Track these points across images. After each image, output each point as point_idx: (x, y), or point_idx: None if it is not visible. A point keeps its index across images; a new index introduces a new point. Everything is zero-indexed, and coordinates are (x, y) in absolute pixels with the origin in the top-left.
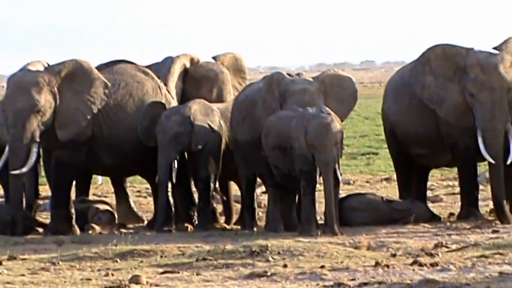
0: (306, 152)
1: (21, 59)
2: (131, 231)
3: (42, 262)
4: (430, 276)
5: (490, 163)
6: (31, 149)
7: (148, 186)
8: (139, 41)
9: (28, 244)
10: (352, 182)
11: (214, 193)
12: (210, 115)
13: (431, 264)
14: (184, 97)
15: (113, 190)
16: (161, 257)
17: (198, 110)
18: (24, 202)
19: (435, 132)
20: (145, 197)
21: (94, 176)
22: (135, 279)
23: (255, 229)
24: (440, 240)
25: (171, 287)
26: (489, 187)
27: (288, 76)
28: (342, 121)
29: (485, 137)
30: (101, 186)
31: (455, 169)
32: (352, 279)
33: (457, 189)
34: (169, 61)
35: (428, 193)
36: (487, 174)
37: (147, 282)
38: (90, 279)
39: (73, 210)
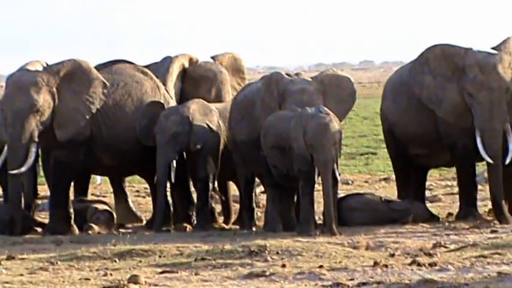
0: (304, 152)
1: (21, 59)
2: (130, 231)
3: (41, 262)
4: (428, 276)
5: (488, 163)
6: (30, 149)
7: (147, 186)
8: (139, 41)
9: (27, 244)
10: (350, 182)
11: (213, 193)
12: (209, 115)
13: (430, 264)
14: (183, 97)
15: (111, 190)
16: (160, 256)
17: (196, 110)
18: (22, 202)
19: (434, 132)
20: (144, 197)
21: (93, 175)
22: (134, 279)
23: (253, 229)
24: (438, 240)
25: (169, 287)
26: (488, 187)
27: (286, 76)
28: (340, 121)
29: (483, 137)
30: (100, 186)
31: (454, 169)
32: (351, 279)
33: (456, 189)
34: (168, 61)
35: (427, 193)
36: (486, 174)
37: (145, 282)
38: (88, 279)
39: (72, 210)
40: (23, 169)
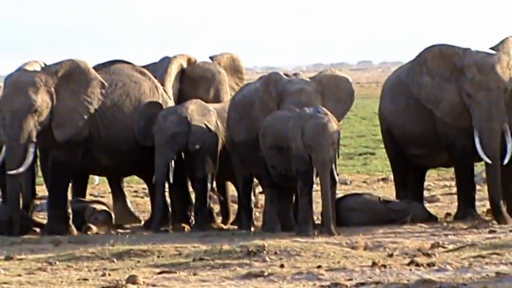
0: (302, 152)
1: (21, 59)
2: (128, 231)
3: (39, 262)
4: (427, 276)
5: (487, 163)
6: (28, 149)
7: (145, 186)
8: (139, 41)
9: (25, 244)
10: (349, 182)
11: (211, 193)
12: (207, 115)
13: (428, 264)
14: (181, 97)
15: (109, 190)
16: (158, 257)
17: (195, 110)
18: (21, 202)
19: (432, 133)
20: (142, 197)
21: (91, 176)
22: (132, 279)
23: (252, 229)
24: (437, 240)
25: (168, 287)
26: (486, 187)
27: (285, 76)
28: (338, 121)
29: (482, 137)
30: (98, 186)
31: (452, 169)
32: (349, 279)
33: (454, 190)
34: (166, 61)
35: (425, 193)
36: (484, 175)
37: (144, 282)
38: (87, 279)
39: (70, 210)
40: (21, 169)
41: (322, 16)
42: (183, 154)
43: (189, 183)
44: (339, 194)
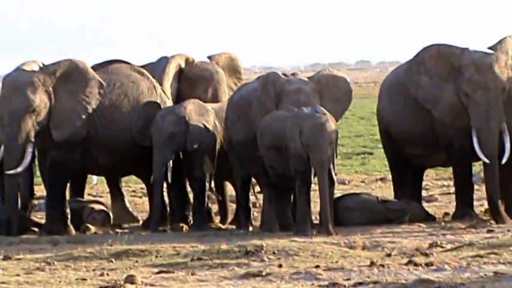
0: (300, 152)
1: (21, 59)
2: (126, 231)
3: (37, 262)
4: (425, 276)
5: (485, 163)
6: (26, 149)
7: (143, 186)
8: (139, 41)
9: (23, 244)
10: (347, 182)
11: (209, 193)
12: (205, 115)
13: (426, 264)
14: (179, 97)
15: (108, 190)
16: (156, 256)
17: (193, 110)
18: (19, 202)
19: (430, 132)
20: (140, 197)
21: (89, 175)
22: (130, 279)
23: (250, 229)
24: (435, 240)
25: (166, 287)
26: (484, 187)
27: (283, 76)
28: (336, 121)
29: (480, 137)
30: (96, 186)
31: (450, 169)
32: (347, 279)
33: (452, 189)
34: (164, 61)
35: (423, 193)
36: (482, 174)
37: (142, 282)
38: (85, 279)
39: (68, 210)
40: (19, 169)
41: (320, 16)
42: (181, 154)
43: (187, 183)
44: (337, 193)
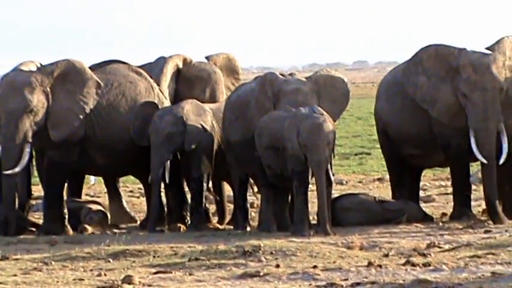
0: (298, 152)
1: (21, 59)
2: (124, 231)
3: (35, 262)
4: (422, 276)
5: (482, 163)
6: (24, 149)
7: (141, 186)
8: (139, 41)
9: (21, 244)
10: (344, 182)
11: (207, 193)
12: (203, 115)
13: (424, 264)
14: (177, 97)
15: (105, 190)
16: (154, 257)
17: (190, 110)
18: (16, 202)
19: (428, 133)
20: (138, 197)
21: (87, 176)
22: (128, 279)
23: (247, 229)
24: (432, 240)
25: (163, 287)
26: (482, 187)
27: (281, 76)
28: (334, 121)
29: (477, 137)
30: (94, 186)
31: (448, 169)
32: (345, 279)
33: (450, 189)
34: (162, 61)
35: (421, 193)
36: (480, 175)
37: (139, 282)
38: (82, 279)
39: (66, 211)
40: (17, 169)
41: (318, 16)
42: (178, 154)
43: (185, 183)
44: (335, 194)
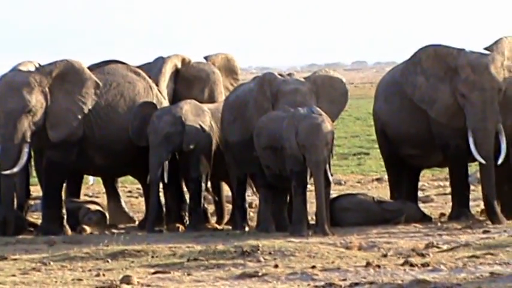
0: (296, 153)
1: (21, 59)
2: (122, 231)
3: (33, 262)
4: (421, 277)
5: (481, 163)
6: (22, 149)
7: (139, 186)
8: (139, 41)
9: (19, 244)
10: (343, 182)
11: (205, 193)
12: (201, 115)
13: (423, 265)
14: (175, 97)
15: (104, 190)
16: (152, 257)
17: (189, 111)
18: (15, 202)
19: (426, 133)
20: (136, 197)
21: (85, 176)
22: (126, 280)
23: (246, 229)
24: (431, 240)
25: (162, 287)
26: (480, 187)
27: (279, 76)
28: (333, 121)
29: (476, 138)
30: (92, 187)
31: (446, 169)
32: (343, 280)
33: (448, 190)
34: (160, 61)
35: (420, 193)
36: (478, 175)
37: (138, 282)
38: (81, 280)
39: (64, 211)
40: (15, 169)
41: (317, 17)
42: (177, 154)
43: (183, 184)
44: (333, 194)
